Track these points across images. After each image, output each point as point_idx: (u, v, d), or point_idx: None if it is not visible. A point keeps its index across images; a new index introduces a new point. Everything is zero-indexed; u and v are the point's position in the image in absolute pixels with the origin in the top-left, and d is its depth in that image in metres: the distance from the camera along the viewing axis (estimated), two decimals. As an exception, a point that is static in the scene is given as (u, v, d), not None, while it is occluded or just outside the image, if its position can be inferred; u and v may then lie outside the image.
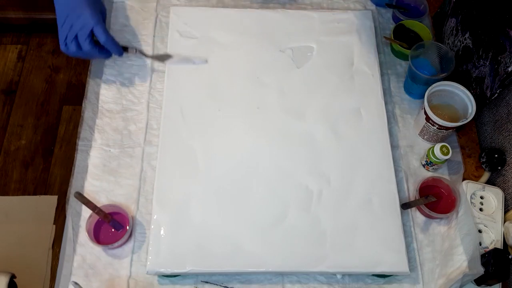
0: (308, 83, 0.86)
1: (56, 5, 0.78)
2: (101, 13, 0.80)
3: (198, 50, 0.88)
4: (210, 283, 0.73)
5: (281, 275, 0.75)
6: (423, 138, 0.86)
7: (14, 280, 0.96)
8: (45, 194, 1.56)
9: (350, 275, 0.75)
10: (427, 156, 0.81)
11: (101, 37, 0.78)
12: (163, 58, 0.86)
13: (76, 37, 0.77)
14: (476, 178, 0.84)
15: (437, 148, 0.78)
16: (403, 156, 0.85)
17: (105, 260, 0.74)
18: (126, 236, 0.74)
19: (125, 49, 0.85)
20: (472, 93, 0.81)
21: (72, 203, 0.77)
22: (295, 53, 0.89)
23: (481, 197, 0.79)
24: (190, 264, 0.70)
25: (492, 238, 0.76)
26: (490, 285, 0.74)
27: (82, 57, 0.81)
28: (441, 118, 0.78)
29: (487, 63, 0.80)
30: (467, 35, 0.86)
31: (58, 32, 0.78)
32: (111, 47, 0.81)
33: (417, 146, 0.86)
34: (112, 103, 0.86)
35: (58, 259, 0.76)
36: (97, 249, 0.75)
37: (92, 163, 0.81)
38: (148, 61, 0.90)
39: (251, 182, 0.77)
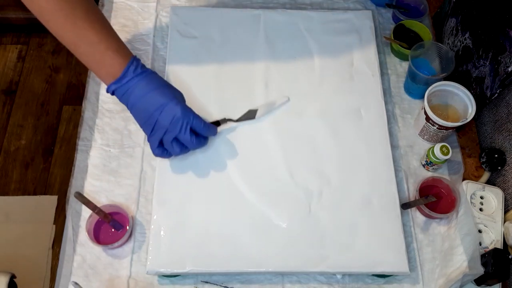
0: (308, 83, 0.86)
1: (133, 111, 0.70)
2: (183, 98, 0.73)
3: (198, 50, 0.88)
4: (210, 283, 0.73)
5: (281, 275, 0.75)
6: (423, 138, 0.86)
7: (14, 280, 0.96)
8: (45, 194, 1.56)
9: (350, 275, 0.75)
10: (427, 156, 0.81)
11: (202, 131, 0.72)
12: (250, 115, 0.81)
13: (176, 139, 0.70)
14: (476, 178, 0.84)
15: (437, 148, 0.78)
16: (403, 156, 0.84)
17: (105, 260, 0.74)
18: (126, 236, 0.74)
19: (216, 124, 0.78)
20: (472, 93, 0.81)
21: (72, 203, 0.77)
22: (295, 53, 0.89)
23: (481, 197, 0.79)
24: (190, 264, 0.70)
25: (492, 238, 0.76)
26: (490, 285, 0.74)
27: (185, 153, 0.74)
28: (441, 118, 0.78)
29: (487, 63, 0.80)
30: (467, 35, 0.86)
31: (146, 138, 0.72)
32: (210, 133, 0.75)
33: (417, 146, 0.86)
34: (112, 103, 0.86)
35: (58, 259, 0.76)
36: (97, 249, 0.75)
37: (92, 163, 0.81)
38: (148, 61, 0.90)
39: (250, 183, 0.77)
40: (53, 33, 0.66)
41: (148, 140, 0.72)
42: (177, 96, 0.71)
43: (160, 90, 0.69)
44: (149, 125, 0.69)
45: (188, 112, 0.70)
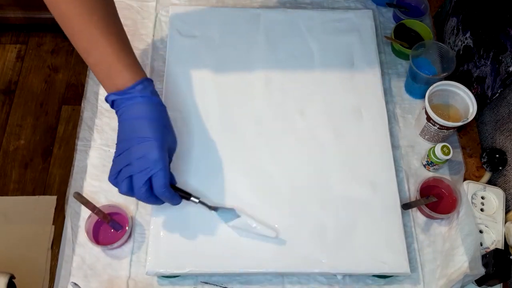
0: (308, 82, 0.86)
1: (119, 127, 0.65)
2: (169, 151, 0.65)
3: (198, 49, 0.87)
4: (210, 283, 0.73)
5: (281, 276, 0.74)
6: (424, 138, 0.85)
7: (13, 280, 0.96)
8: (44, 194, 1.56)
9: (350, 275, 0.75)
10: (428, 156, 0.80)
11: (157, 189, 0.62)
12: (230, 212, 0.71)
13: (130, 178, 0.62)
14: (477, 178, 0.84)
15: (438, 148, 0.78)
16: (403, 156, 0.84)
17: (104, 260, 0.74)
18: (126, 237, 0.73)
19: (185, 196, 0.69)
20: (473, 93, 0.80)
21: (71, 203, 0.77)
22: (295, 52, 0.88)
23: (482, 198, 0.79)
24: (189, 265, 0.70)
25: (493, 239, 0.76)
26: (491, 285, 0.74)
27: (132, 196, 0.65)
28: (442, 118, 0.78)
29: (488, 63, 0.80)
30: (468, 35, 0.86)
31: (113, 159, 0.64)
32: (167, 199, 0.65)
33: (418, 146, 0.85)
34: (111, 103, 0.86)
35: (57, 259, 0.76)
36: (96, 249, 0.75)
37: (91, 163, 0.81)
38: (148, 61, 0.90)
39: (250, 183, 0.76)
40: (68, 37, 0.65)
41: (112, 160, 0.64)
42: (167, 140, 0.65)
43: (155, 123, 0.63)
44: (121, 148, 0.63)
45: (160, 163, 0.61)
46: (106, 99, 0.65)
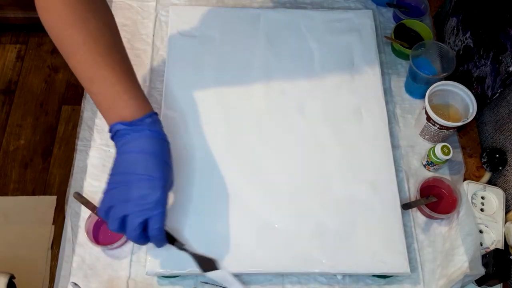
0: (308, 82, 0.86)
1: (118, 159, 0.60)
2: (169, 189, 0.61)
3: (198, 49, 0.87)
4: (210, 283, 0.73)
5: (281, 276, 0.74)
6: (424, 138, 0.85)
7: (13, 280, 0.96)
8: (44, 194, 1.56)
9: (350, 275, 0.75)
10: (428, 156, 0.80)
11: (152, 231, 0.58)
12: (209, 263, 0.68)
13: (125, 216, 0.57)
14: (477, 178, 0.84)
15: (438, 148, 0.78)
16: (403, 156, 0.84)
17: (104, 260, 0.74)
18: (126, 237, 0.73)
19: (171, 240, 0.66)
20: (473, 93, 0.80)
21: (71, 203, 0.77)
22: (295, 52, 0.88)
23: (482, 198, 0.79)
24: (189, 265, 0.70)
25: (493, 239, 0.76)
26: (491, 285, 0.74)
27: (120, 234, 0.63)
28: (442, 118, 0.78)
29: (488, 63, 0.80)
30: (468, 35, 0.86)
31: (104, 191, 0.59)
32: (157, 242, 0.61)
33: (418, 146, 0.85)
34: (111, 103, 0.86)
35: (57, 259, 0.76)
36: (96, 249, 0.75)
37: (91, 163, 0.81)
38: (148, 61, 0.90)
39: (250, 183, 0.76)
40: (71, 67, 0.62)
41: (104, 193, 0.60)
42: (168, 182, 0.60)
43: (160, 160, 0.59)
44: (117, 181, 0.59)
45: (161, 204, 0.58)
46: (111, 129, 0.61)
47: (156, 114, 0.64)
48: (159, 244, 0.62)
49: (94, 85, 0.62)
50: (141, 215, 0.57)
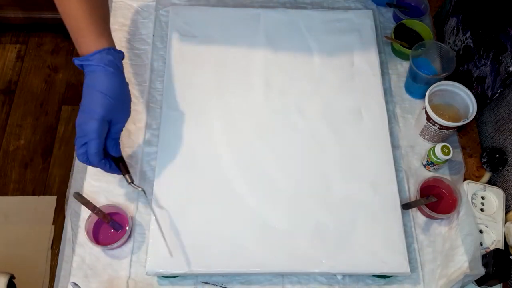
0: (308, 82, 0.86)
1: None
2: (113, 123, 0.68)
3: (198, 49, 0.87)
4: (210, 283, 0.73)
5: (281, 276, 0.74)
6: (424, 138, 0.85)
7: (13, 280, 0.96)
8: (44, 194, 1.56)
9: (350, 275, 0.75)
10: (428, 156, 0.80)
11: (90, 156, 0.66)
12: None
13: (85, 144, 0.66)
14: (477, 178, 0.84)
15: (438, 148, 0.78)
16: (403, 156, 0.84)
17: (104, 260, 0.74)
18: (126, 237, 0.73)
19: (122, 171, 0.72)
20: (473, 93, 0.80)
21: (71, 203, 0.77)
22: (295, 52, 0.88)
23: (482, 198, 0.79)
24: (189, 265, 0.70)
25: (493, 239, 0.76)
26: (491, 285, 0.74)
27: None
28: (442, 118, 0.78)
29: (488, 63, 0.80)
30: (468, 35, 0.86)
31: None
32: (101, 168, 0.69)
33: (418, 146, 0.85)
34: (111, 103, 0.86)
35: (57, 259, 0.76)
36: (96, 249, 0.75)
37: (91, 163, 0.81)
38: (148, 61, 0.90)
39: (250, 183, 0.76)
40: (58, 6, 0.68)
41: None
42: (111, 114, 0.66)
43: (99, 95, 0.65)
44: (81, 110, 0.67)
45: (93, 133, 0.65)
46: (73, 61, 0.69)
47: (112, 50, 0.68)
48: (106, 170, 0.70)
49: (66, 20, 0.68)
50: (80, 140, 0.66)
